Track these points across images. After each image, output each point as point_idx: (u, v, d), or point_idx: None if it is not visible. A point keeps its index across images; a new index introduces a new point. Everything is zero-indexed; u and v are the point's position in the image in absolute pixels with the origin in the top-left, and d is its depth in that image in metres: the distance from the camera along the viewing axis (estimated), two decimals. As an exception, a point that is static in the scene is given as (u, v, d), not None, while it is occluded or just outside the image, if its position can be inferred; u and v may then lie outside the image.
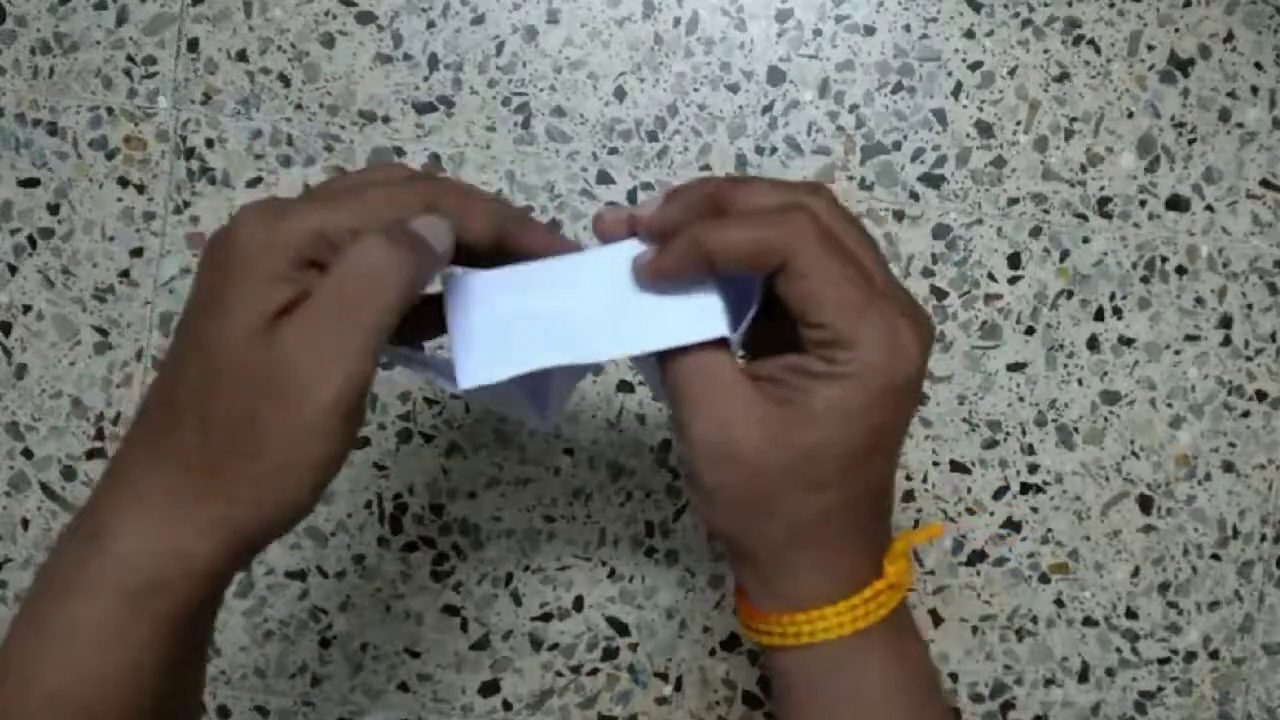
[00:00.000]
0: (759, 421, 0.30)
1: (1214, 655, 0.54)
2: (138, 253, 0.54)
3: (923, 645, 0.35)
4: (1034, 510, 0.53)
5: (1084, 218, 0.53)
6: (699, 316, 0.32)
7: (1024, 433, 0.53)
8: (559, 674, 0.54)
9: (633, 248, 0.33)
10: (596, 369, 0.36)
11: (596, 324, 0.32)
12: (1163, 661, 0.54)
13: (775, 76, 0.52)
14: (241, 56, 0.53)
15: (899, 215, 0.53)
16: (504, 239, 0.32)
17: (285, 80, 0.53)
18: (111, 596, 0.28)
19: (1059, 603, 0.54)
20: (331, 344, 0.29)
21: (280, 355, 0.28)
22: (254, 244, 0.29)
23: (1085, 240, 0.53)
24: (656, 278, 0.32)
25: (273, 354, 0.28)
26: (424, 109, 0.53)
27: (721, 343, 0.31)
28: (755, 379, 0.31)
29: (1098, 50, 0.52)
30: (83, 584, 0.29)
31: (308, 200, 0.30)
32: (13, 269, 0.54)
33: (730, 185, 0.32)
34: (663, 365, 0.32)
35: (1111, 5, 0.52)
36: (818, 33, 0.52)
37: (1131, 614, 0.54)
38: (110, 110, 0.53)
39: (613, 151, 0.53)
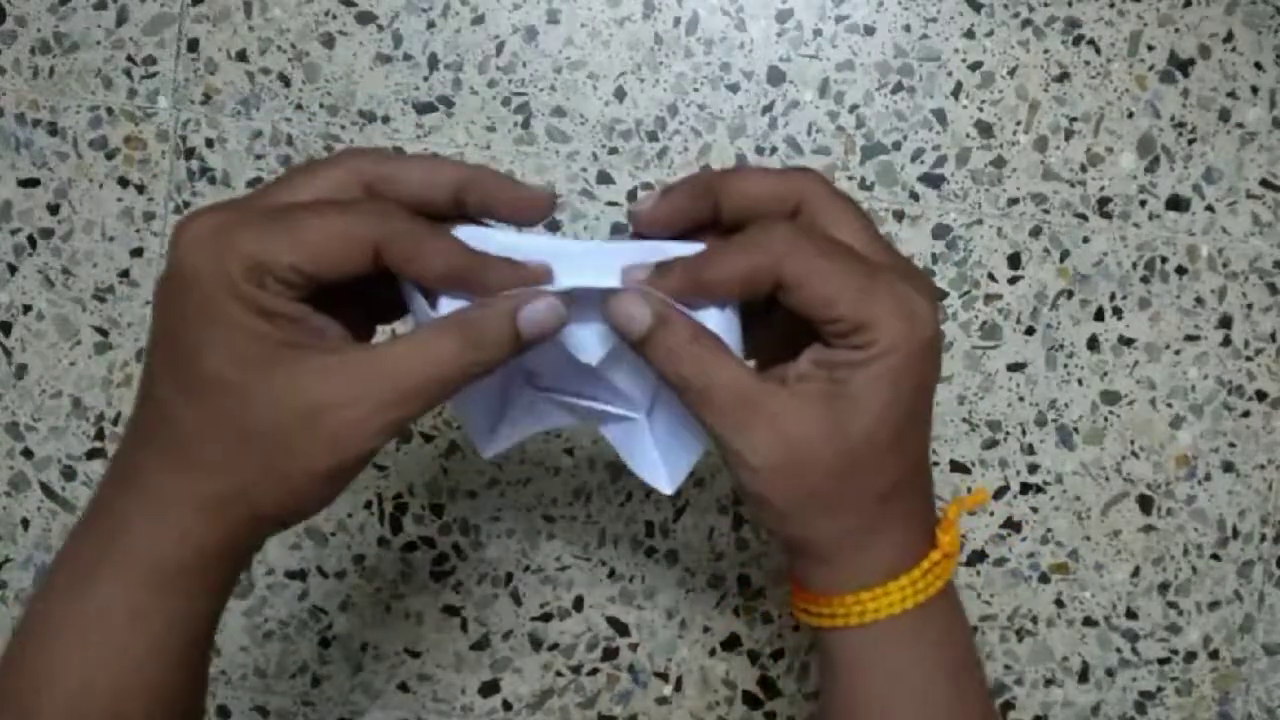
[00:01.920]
0: (813, 425, 0.31)
1: (1214, 655, 0.54)
2: (138, 253, 0.54)
3: (966, 618, 0.35)
4: (1034, 510, 0.53)
5: (1084, 218, 0.53)
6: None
7: (1024, 433, 0.53)
8: (559, 674, 0.54)
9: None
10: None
11: (599, 382, 0.34)
12: (1163, 661, 0.54)
13: (775, 76, 0.52)
14: (241, 56, 0.53)
15: (899, 215, 0.53)
16: (462, 290, 0.31)
17: (285, 80, 0.53)
18: (134, 583, 0.29)
19: (1059, 603, 0.54)
20: (357, 410, 0.29)
21: (295, 398, 0.29)
22: (203, 279, 0.28)
23: (1085, 240, 0.53)
24: (668, 293, 0.31)
25: (299, 392, 0.29)
26: (424, 109, 0.53)
27: (739, 361, 0.31)
28: (784, 383, 0.32)
29: (1098, 50, 0.52)
30: (103, 574, 0.29)
31: (247, 224, 0.29)
32: (13, 269, 0.54)
33: (723, 175, 0.33)
34: (690, 398, 0.31)
35: (1111, 5, 0.52)
36: (818, 33, 0.52)
37: (1131, 614, 0.54)
38: (110, 110, 0.53)
39: (613, 151, 0.53)
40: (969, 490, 0.53)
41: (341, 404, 0.29)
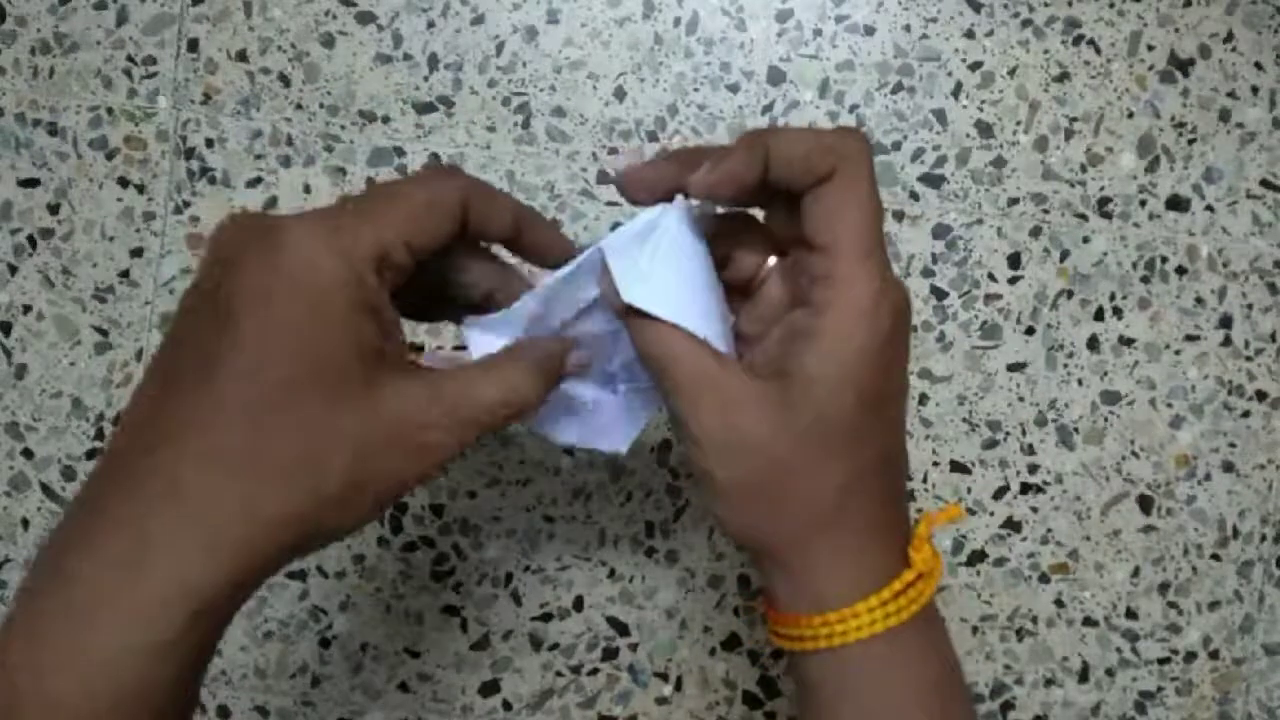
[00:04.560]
0: (759, 404, 0.30)
1: (1214, 655, 0.54)
2: (138, 253, 0.54)
3: (950, 642, 0.34)
4: (1034, 510, 0.53)
5: (1084, 218, 0.53)
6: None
7: (1024, 433, 0.53)
8: (559, 674, 0.54)
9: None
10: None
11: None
12: (1163, 661, 0.54)
13: (775, 76, 0.52)
14: (241, 56, 0.53)
15: (899, 215, 0.53)
16: (521, 233, 0.33)
17: (285, 80, 0.53)
18: (155, 624, 0.26)
19: (1059, 603, 0.54)
20: (443, 430, 0.30)
21: (387, 413, 0.29)
22: (324, 273, 0.28)
23: (1085, 240, 0.53)
24: (717, 185, 0.31)
25: (376, 404, 0.29)
26: (424, 109, 0.53)
27: (705, 340, 0.32)
28: (750, 367, 0.32)
29: (1098, 50, 0.52)
30: (122, 607, 0.26)
31: (355, 214, 0.29)
32: (13, 269, 0.54)
33: (769, 135, 0.32)
34: (653, 370, 0.32)
35: (1111, 5, 0.52)
36: (818, 33, 0.52)
37: (1131, 614, 0.54)
38: (110, 110, 0.53)
39: (613, 152, 0.53)
40: (969, 490, 0.53)
41: (429, 421, 0.30)
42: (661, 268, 0.32)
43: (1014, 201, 0.53)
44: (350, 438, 0.28)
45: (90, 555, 0.27)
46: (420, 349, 0.54)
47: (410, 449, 0.29)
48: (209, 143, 0.53)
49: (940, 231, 0.53)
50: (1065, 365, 0.53)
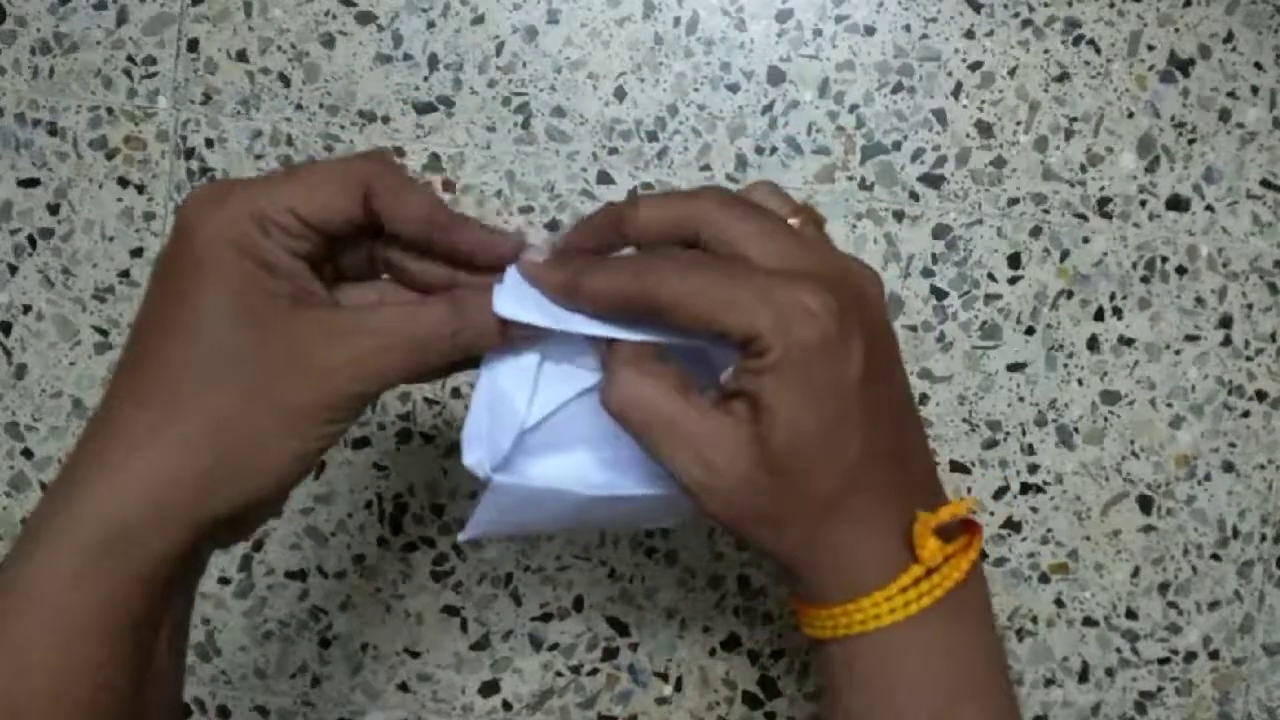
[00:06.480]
0: (730, 445, 0.31)
1: (1214, 655, 0.54)
2: (138, 253, 0.54)
3: (986, 638, 0.34)
4: (1034, 510, 0.53)
5: (1084, 218, 0.53)
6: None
7: (1024, 433, 0.53)
8: (559, 674, 0.54)
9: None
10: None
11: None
12: (1163, 661, 0.54)
13: (775, 76, 0.52)
14: (241, 56, 0.53)
15: (899, 215, 0.53)
16: (435, 237, 0.33)
17: (285, 80, 0.53)
18: (76, 545, 0.29)
19: (1059, 603, 0.54)
20: (358, 361, 0.31)
21: (279, 342, 0.30)
22: (204, 226, 0.30)
23: (1085, 240, 0.53)
24: (546, 288, 0.33)
25: (286, 337, 0.30)
26: (424, 109, 0.53)
27: (675, 386, 0.32)
28: (717, 405, 0.32)
29: (1098, 50, 0.52)
30: (45, 539, 0.29)
31: (245, 182, 0.32)
32: (13, 269, 0.54)
33: (624, 208, 0.33)
34: (630, 429, 0.32)
35: (1111, 5, 0.52)
36: (818, 33, 0.52)
37: (1131, 614, 0.54)
38: (110, 110, 0.53)
39: (613, 151, 0.53)
40: (969, 490, 0.53)
41: (326, 349, 0.30)
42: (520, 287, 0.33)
43: (1014, 201, 0.53)
44: (239, 365, 0.30)
45: (50, 491, 0.31)
46: None
47: (308, 375, 0.30)
48: (209, 143, 0.53)
49: (940, 231, 0.53)
50: (1065, 365, 0.53)
